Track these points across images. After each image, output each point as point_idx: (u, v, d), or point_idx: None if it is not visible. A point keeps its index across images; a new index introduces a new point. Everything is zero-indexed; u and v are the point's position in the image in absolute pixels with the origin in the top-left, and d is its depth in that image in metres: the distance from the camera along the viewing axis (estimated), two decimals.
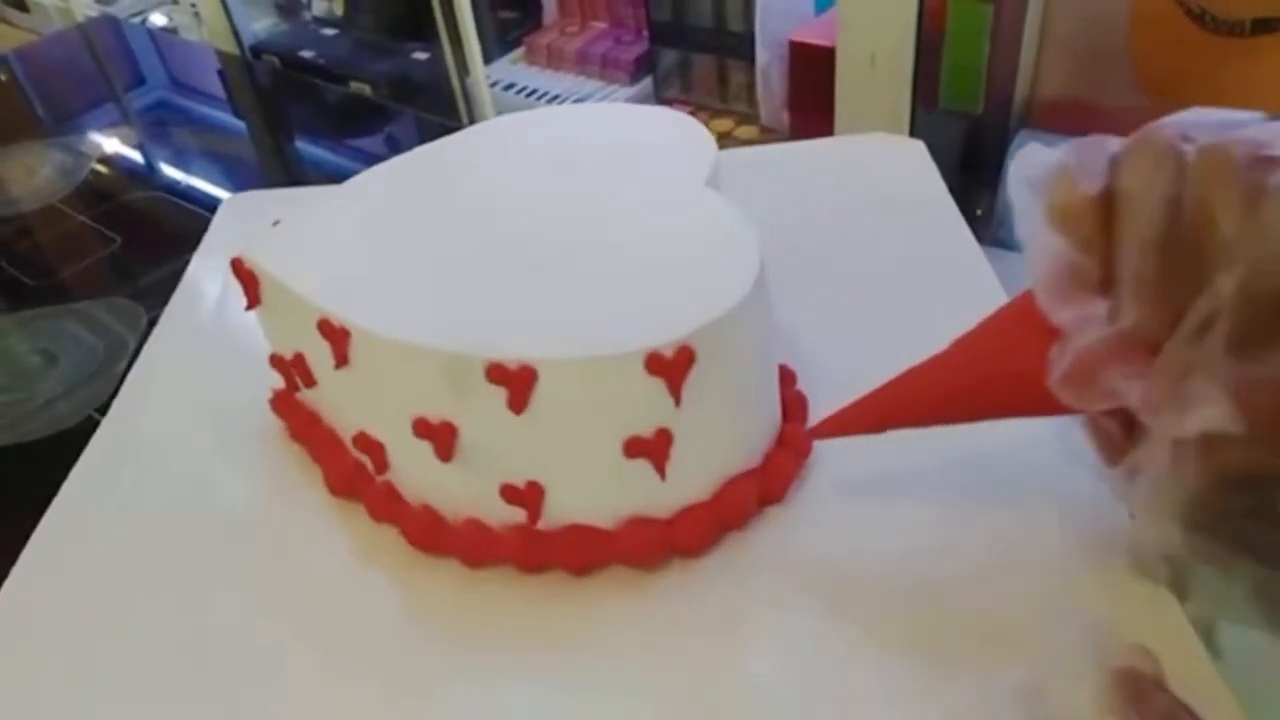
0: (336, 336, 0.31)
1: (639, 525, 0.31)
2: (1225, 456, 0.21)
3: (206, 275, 0.49)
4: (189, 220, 0.73)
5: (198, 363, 0.43)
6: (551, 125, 0.41)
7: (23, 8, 1.67)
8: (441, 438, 0.30)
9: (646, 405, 0.29)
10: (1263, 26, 0.80)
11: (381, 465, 0.33)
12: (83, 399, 0.54)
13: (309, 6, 1.48)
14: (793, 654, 0.29)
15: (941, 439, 0.32)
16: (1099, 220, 0.23)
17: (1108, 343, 0.23)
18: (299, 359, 0.35)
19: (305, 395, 0.37)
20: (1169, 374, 0.21)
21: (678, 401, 0.29)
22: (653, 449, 0.30)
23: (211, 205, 0.76)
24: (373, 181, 0.38)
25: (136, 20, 1.49)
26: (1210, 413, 0.21)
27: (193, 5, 1.44)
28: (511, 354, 0.28)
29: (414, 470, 0.33)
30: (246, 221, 0.52)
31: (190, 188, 0.79)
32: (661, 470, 0.30)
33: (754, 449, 0.33)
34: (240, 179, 0.82)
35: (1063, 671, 0.27)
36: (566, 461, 0.30)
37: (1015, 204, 0.25)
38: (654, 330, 0.28)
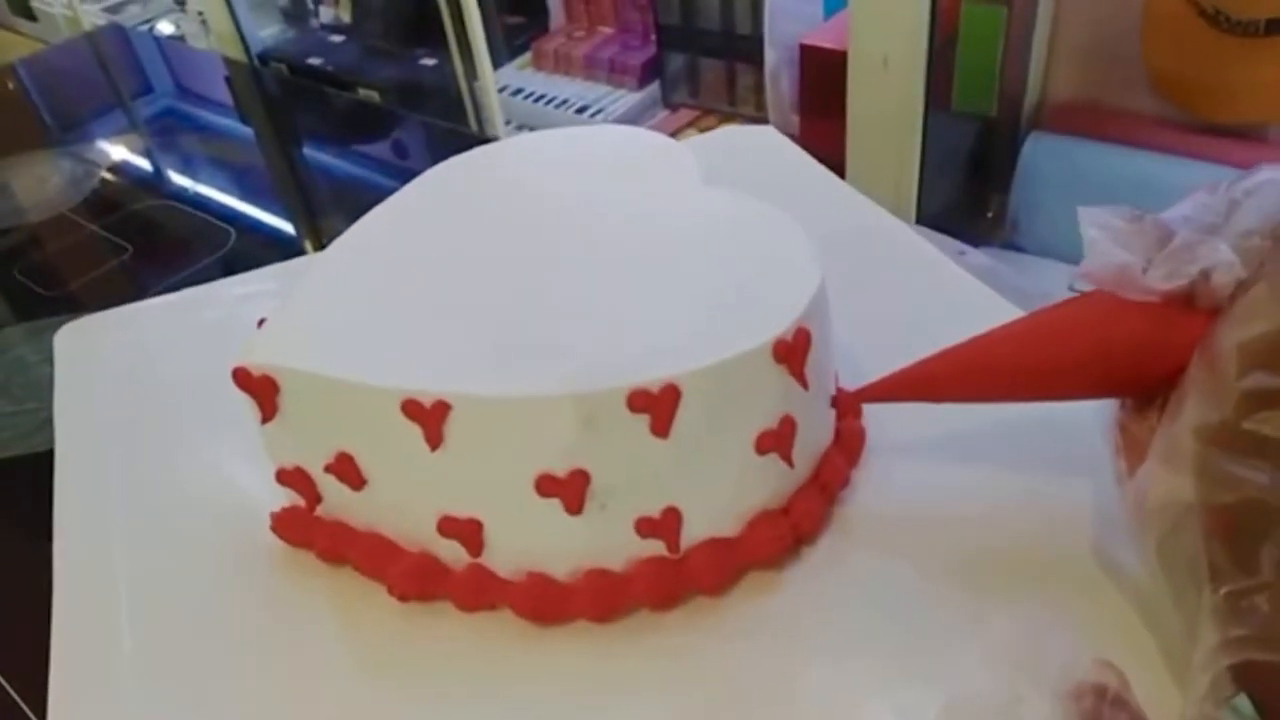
0: (430, 415, 0.28)
1: (763, 522, 0.31)
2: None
3: (86, 418, 0.41)
4: (199, 228, 0.73)
5: (132, 520, 0.36)
6: (525, 154, 0.40)
7: (31, 17, 1.68)
8: (571, 489, 0.28)
9: (773, 396, 0.29)
10: (1277, 26, 0.80)
11: (476, 546, 0.30)
12: None
13: (316, 13, 1.48)
14: (938, 601, 0.30)
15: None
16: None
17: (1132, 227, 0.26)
18: (343, 461, 0.31)
19: (332, 506, 0.33)
20: (1184, 233, 0.25)
21: (805, 384, 0.29)
22: (780, 439, 0.30)
23: (221, 213, 0.76)
24: (358, 246, 0.35)
25: (144, 28, 1.50)
26: (1212, 252, 0.24)
27: (200, 13, 1.44)
28: (652, 376, 0.27)
29: (522, 539, 0.30)
30: (97, 349, 0.45)
31: (200, 195, 0.79)
32: (789, 459, 0.30)
33: (834, 418, 0.33)
34: (249, 186, 0.82)
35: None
36: (703, 476, 0.29)
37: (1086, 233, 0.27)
38: (770, 319, 0.28)
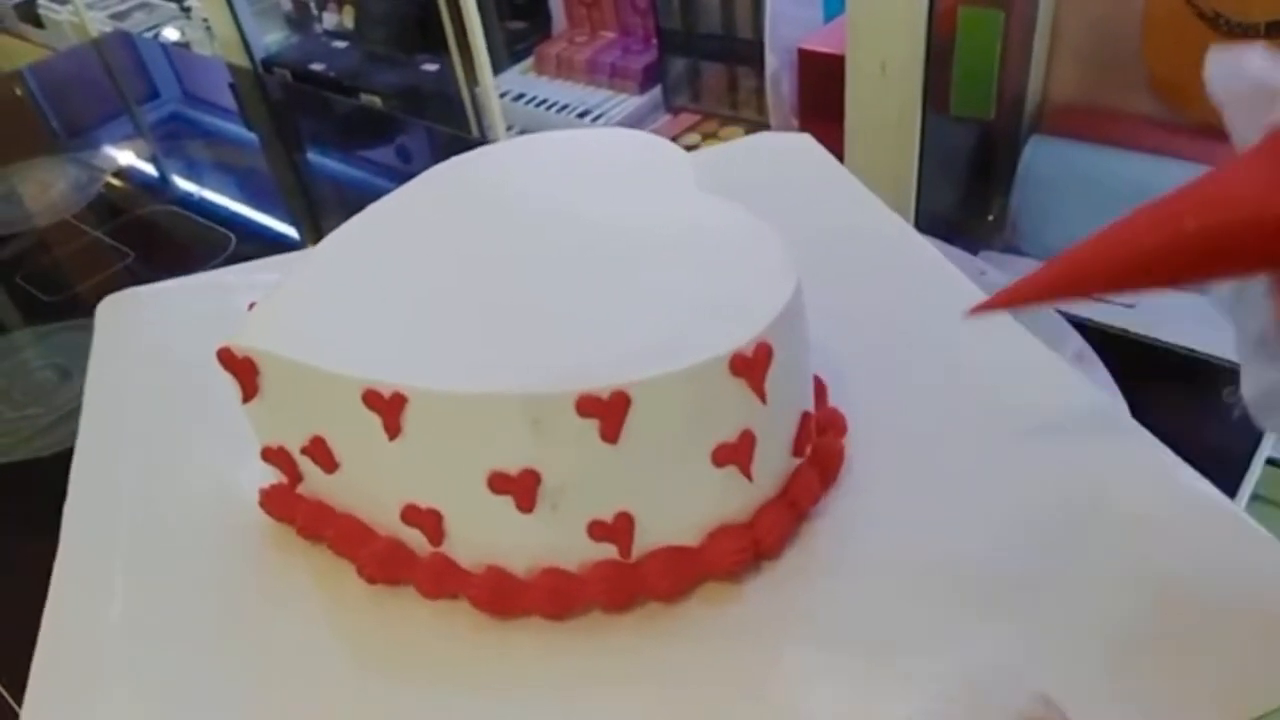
0: (388, 405, 0.29)
1: (724, 534, 0.31)
2: None
3: (115, 389, 0.44)
4: (202, 233, 0.74)
5: (141, 488, 0.39)
6: (523, 156, 0.40)
7: (38, 24, 1.69)
8: (522, 488, 0.29)
9: (732, 409, 0.29)
10: (1277, 29, 0.80)
11: (437, 536, 0.31)
12: None
13: (320, 20, 1.49)
14: (894, 637, 0.29)
15: (981, 417, 0.34)
16: None
17: None
18: (317, 444, 0.32)
19: (312, 486, 0.34)
20: None
21: (763, 399, 0.29)
22: (739, 453, 0.29)
23: (224, 219, 0.77)
24: (351, 238, 0.37)
25: (150, 35, 1.51)
26: None
27: (204, 19, 1.45)
28: (602, 382, 0.27)
29: (479, 532, 0.31)
30: (136, 322, 0.48)
31: (204, 200, 0.80)
32: (748, 473, 0.30)
33: (812, 435, 0.33)
34: (253, 191, 0.83)
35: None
36: (657, 484, 0.30)
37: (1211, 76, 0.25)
38: (731, 332, 0.28)
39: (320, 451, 0.32)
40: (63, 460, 0.52)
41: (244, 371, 0.32)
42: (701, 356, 0.28)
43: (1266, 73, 0.24)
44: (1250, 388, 0.27)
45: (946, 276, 0.43)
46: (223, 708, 0.30)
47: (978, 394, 0.36)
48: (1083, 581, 0.30)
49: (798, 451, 0.32)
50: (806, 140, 0.52)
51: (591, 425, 0.27)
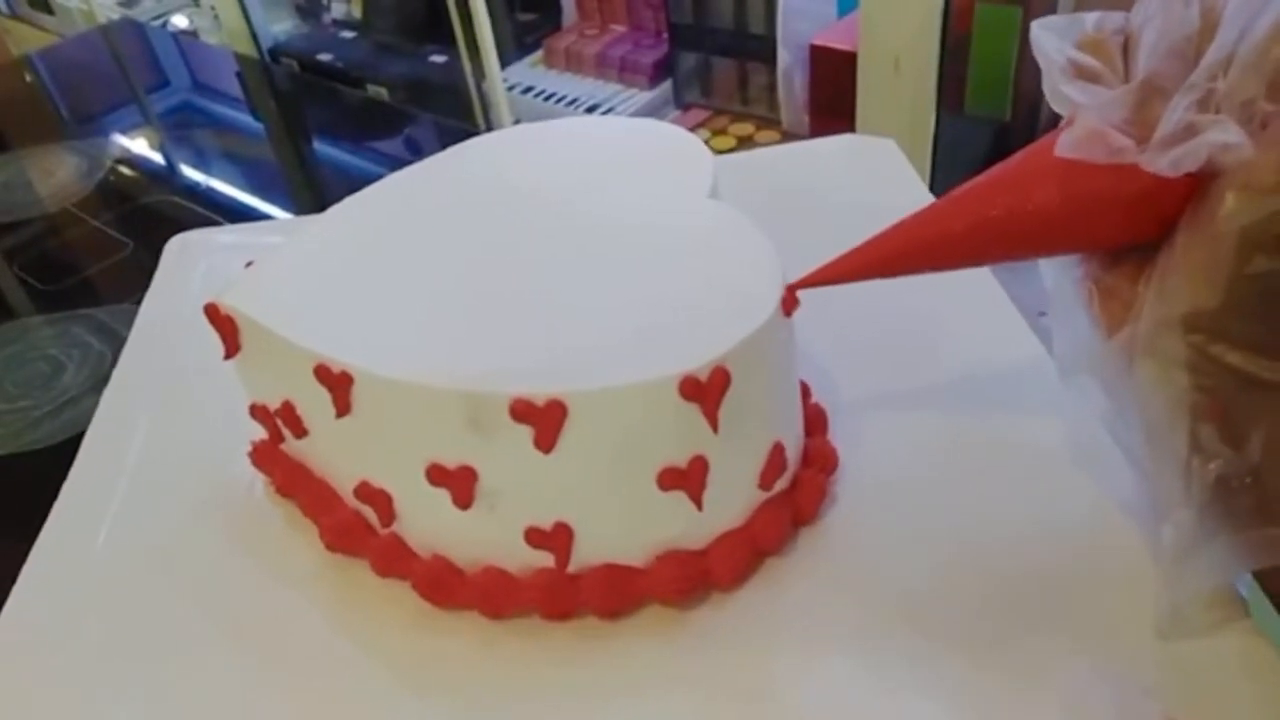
0: (337, 382, 0.29)
1: (672, 560, 0.29)
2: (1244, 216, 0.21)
3: (163, 322, 0.46)
4: (200, 224, 0.73)
5: (162, 418, 0.40)
6: (537, 144, 0.39)
7: (48, 10, 1.69)
8: (459, 484, 0.28)
9: (681, 433, 0.27)
10: None
11: (388, 517, 0.31)
12: (88, 407, 0.53)
13: (329, 9, 1.48)
14: (839, 689, 0.27)
15: (973, 448, 0.32)
16: (1119, 48, 0.26)
17: (1121, 98, 0.24)
18: (287, 408, 0.32)
19: (292, 446, 0.34)
20: (1181, 109, 0.22)
21: (715, 427, 0.27)
22: (688, 479, 0.28)
23: (227, 208, 0.76)
24: (351, 213, 0.36)
25: (157, 23, 1.50)
26: (1221, 134, 0.21)
27: (212, 7, 1.44)
28: (538, 389, 0.26)
29: (425, 520, 0.31)
30: (197, 262, 0.50)
31: (207, 190, 0.79)
32: (698, 501, 0.28)
33: (784, 469, 0.31)
34: (258, 183, 0.82)
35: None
36: (597, 499, 0.28)
37: (1034, 39, 0.26)
38: (686, 353, 0.27)
39: (290, 416, 0.33)
40: (54, 454, 0.51)
41: (226, 329, 0.33)
42: (648, 375, 0.26)
43: (1058, 80, 0.25)
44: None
45: (994, 301, 0.39)
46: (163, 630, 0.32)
47: (999, 438, 0.34)
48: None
49: (764, 484, 0.30)
50: (889, 146, 0.50)
51: (526, 432, 0.26)
